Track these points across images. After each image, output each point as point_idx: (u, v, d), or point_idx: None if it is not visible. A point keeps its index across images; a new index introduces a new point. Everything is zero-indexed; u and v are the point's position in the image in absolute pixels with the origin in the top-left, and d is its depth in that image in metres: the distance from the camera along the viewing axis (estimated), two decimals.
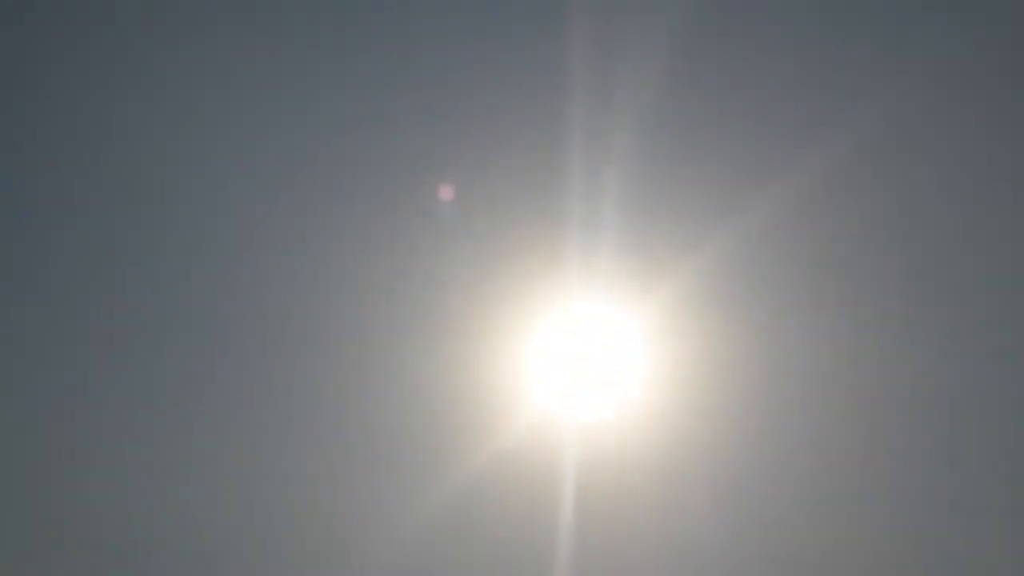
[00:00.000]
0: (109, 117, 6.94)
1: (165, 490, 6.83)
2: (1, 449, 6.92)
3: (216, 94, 6.84)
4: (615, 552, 6.92)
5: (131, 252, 6.98)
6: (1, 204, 7.02)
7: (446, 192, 6.95)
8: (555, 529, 6.95)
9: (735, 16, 6.87)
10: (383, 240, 6.94)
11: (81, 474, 6.82)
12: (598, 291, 6.87)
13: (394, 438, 6.98)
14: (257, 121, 6.84)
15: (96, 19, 6.97)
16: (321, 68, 6.83)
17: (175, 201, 6.92)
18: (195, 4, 6.92)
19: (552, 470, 6.89)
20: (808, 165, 6.76)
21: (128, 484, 6.84)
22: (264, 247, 6.91)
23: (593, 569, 6.90)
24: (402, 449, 6.95)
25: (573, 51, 6.67)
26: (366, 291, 6.94)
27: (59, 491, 6.82)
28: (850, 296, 6.91)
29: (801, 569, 6.79)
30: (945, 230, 6.91)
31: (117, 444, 6.85)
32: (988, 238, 6.88)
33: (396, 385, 6.97)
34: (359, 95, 6.89)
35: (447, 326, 6.93)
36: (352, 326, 6.99)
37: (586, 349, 7.03)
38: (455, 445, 6.97)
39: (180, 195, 6.90)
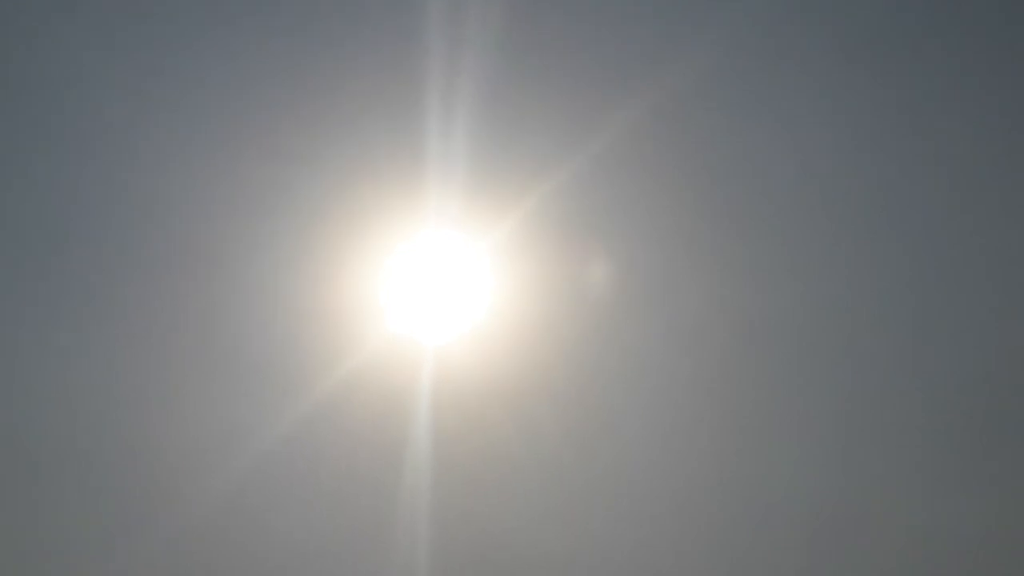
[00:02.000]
0: None
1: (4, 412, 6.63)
2: None
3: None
4: (465, 476, 6.95)
5: None
6: None
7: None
8: (405, 453, 6.96)
9: None
10: (239, 159, 6.76)
11: None
12: (450, 214, 6.81)
13: (244, 359, 6.96)
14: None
15: None
16: None
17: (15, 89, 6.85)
18: None
19: (403, 394, 6.89)
20: (667, 83, 6.64)
21: None
22: (114, 162, 6.94)
23: (443, 491, 6.93)
24: (252, 370, 6.94)
25: None
26: (217, 210, 6.74)
27: None
28: (710, 219, 6.87)
29: (652, 482, 6.74)
30: (813, 151, 6.82)
31: None
32: (858, 157, 6.80)
33: (248, 305, 6.92)
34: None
35: (298, 248, 6.87)
36: (202, 244, 6.92)
37: (436, 273, 6.99)
38: (305, 368, 6.98)
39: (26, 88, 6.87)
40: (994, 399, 6.85)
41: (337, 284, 6.96)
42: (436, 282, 7.06)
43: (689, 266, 6.86)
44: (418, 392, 7.00)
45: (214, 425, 7.04)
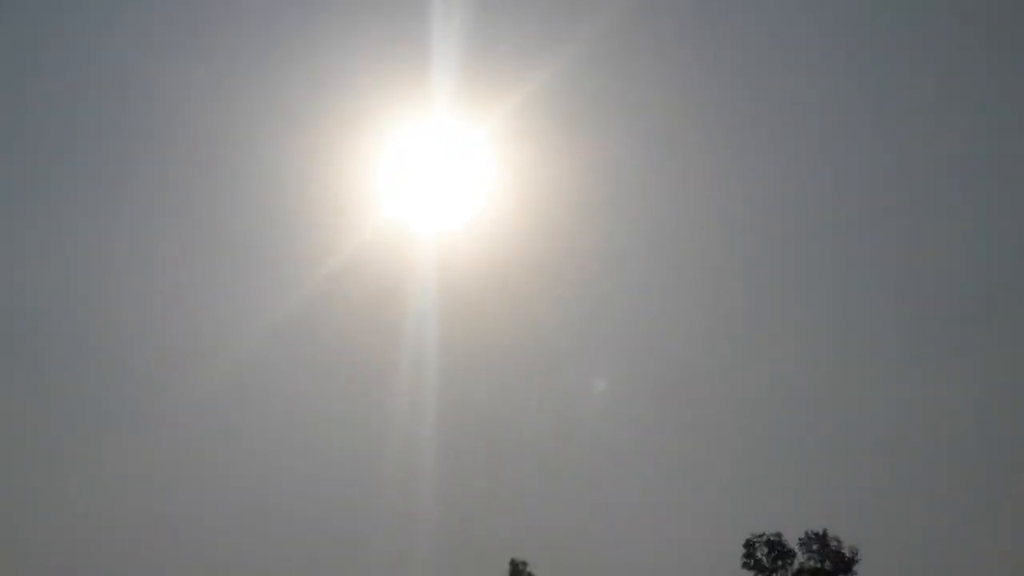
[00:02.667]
0: None
1: None
2: None
3: None
4: (464, 354, 10.81)
5: None
6: None
7: None
8: (403, 329, 10.72)
9: None
10: (246, 54, 10.65)
11: None
12: (449, 104, 9.65)
13: (256, 242, 11.06)
14: None
15: None
16: None
17: None
18: None
19: (404, 275, 10.33)
20: None
21: None
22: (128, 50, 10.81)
23: (441, 364, 10.49)
24: (264, 252, 11.05)
25: None
26: (225, 101, 11.08)
27: None
28: (698, 112, 11.16)
29: (644, 366, 10.90)
30: None
31: None
32: None
33: (259, 192, 11.14)
34: None
35: (305, 138, 10.16)
36: (215, 134, 11.01)
37: (434, 161, 9.85)
38: (312, 250, 10.62)
39: None
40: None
41: (341, 172, 10.69)
42: (436, 170, 9.76)
43: (678, 158, 11.19)
44: (419, 273, 10.31)
45: (230, 301, 11.08)
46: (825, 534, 53.45)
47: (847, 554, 53.16)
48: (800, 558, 53.68)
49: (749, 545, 53.99)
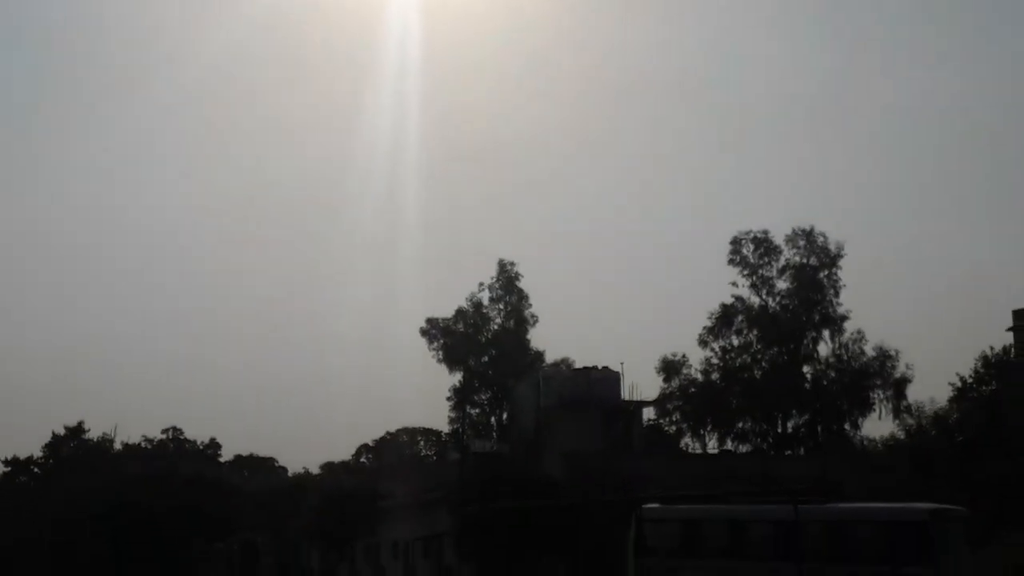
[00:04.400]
0: None
1: None
2: None
3: None
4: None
5: None
6: None
7: None
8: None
9: None
10: None
11: None
12: None
13: None
14: None
15: None
16: None
17: None
18: None
19: None
20: None
21: None
22: None
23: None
24: None
25: None
26: None
27: None
28: None
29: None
30: None
31: None
32: None
33: None
34: None
35: None
36: None
37: None
38: None
39: None
40: None
41: None
42: None
43: None
44: None
45: None
46: (811, 231, 54.02)
47: (832, 250, 53.86)
48: (786, 254, 54.43)
49: (735, 242, 54.56)
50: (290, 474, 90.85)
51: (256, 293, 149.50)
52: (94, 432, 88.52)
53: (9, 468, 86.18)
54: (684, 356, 54.96)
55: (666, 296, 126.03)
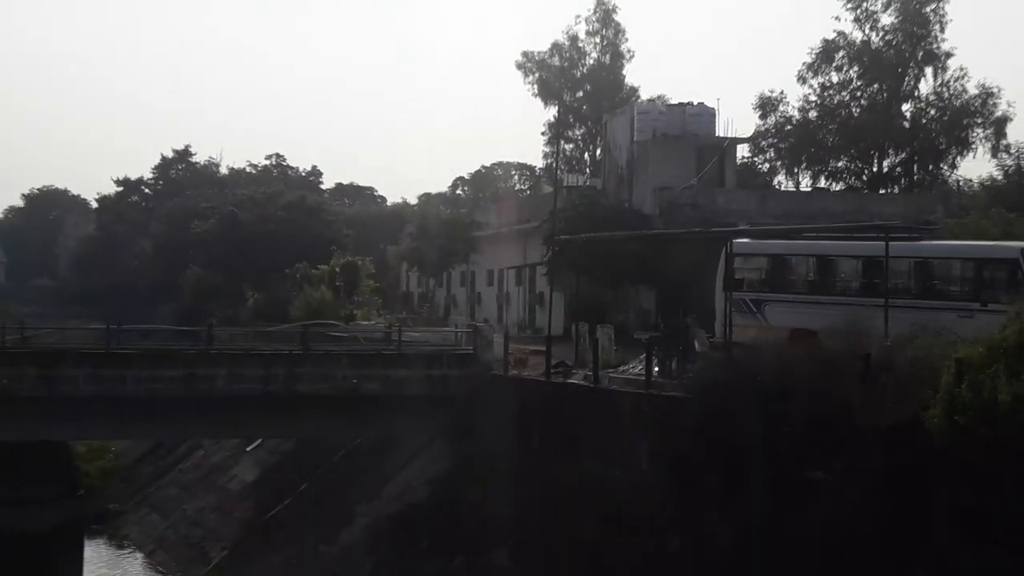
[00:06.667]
0: None
1: None
2: None
3: None
4: None
5: None
6: None
7: None
8: None
9: None
10: None
11: None
12: None
13: None
14: None
15: None
16: None
17: None
18: None
19: None
20: None
21: None
22: None
23: None
24: None
25: None
26: None
27: None
28: None
29: None
30: None
31: None
32: None
33: None
34: None
35: None
36: None
37: None
38: None
39: None
40: None
41: None
42: None
43: None
44: None
45: None
46: None
47: None
48: None
49: None
50: (389, 204, 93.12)
51: (355, 23, 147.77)
52: (201, 156, 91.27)
53: (121, 188, 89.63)
54: (782, 93, 54.07)
55: (766, 32, 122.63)
